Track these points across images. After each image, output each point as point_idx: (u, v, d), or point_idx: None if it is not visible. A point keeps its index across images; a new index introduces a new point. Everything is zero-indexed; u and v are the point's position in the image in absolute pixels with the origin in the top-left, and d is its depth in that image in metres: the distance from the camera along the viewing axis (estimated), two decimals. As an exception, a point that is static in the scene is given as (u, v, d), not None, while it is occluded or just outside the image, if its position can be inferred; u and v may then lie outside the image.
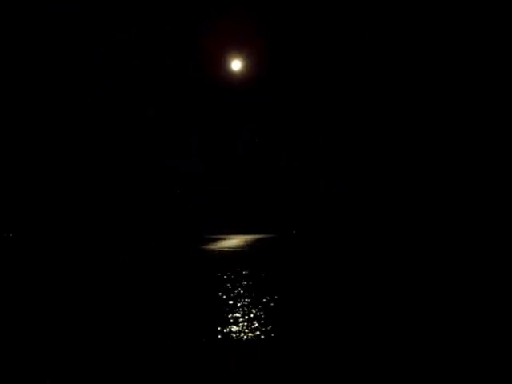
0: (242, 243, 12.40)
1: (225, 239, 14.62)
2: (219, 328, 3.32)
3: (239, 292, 4.66)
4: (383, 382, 2.36)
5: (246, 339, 3.06)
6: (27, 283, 5.36)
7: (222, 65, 14.49)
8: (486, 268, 6.26)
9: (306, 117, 16.50)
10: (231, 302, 4.15)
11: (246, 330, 3.26)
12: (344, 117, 16.09)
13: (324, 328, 3.31)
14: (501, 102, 13.35)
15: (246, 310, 3.85)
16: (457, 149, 14.29)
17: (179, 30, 14.16)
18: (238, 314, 3.71)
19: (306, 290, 4.74)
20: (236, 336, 3.12)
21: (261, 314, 3.69)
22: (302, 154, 17.12)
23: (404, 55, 14.16)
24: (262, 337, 3.11)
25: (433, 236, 13.42)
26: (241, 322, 3.49)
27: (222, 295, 4.49)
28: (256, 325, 3.39)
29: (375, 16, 13.72)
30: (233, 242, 13.35)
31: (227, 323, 3.44)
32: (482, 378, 2.39)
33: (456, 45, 13.34)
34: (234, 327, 3.33)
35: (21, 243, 12.75)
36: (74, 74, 14.73)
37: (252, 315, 3.67)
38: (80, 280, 5.56)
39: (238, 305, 4.04)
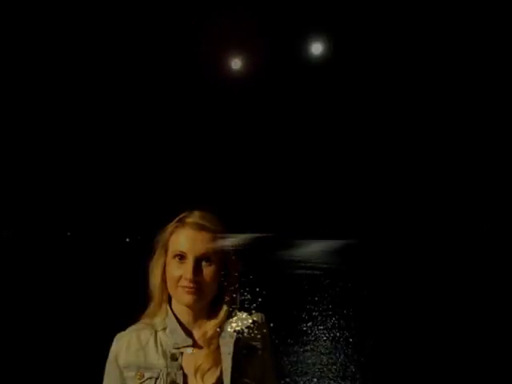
0: (239, 242, 12.43)
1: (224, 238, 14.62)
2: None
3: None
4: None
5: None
6: (27, 283, 5.39)
7: (222, 64, 14.47)
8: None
9: (306, 117, 16.51)
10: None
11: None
12: (345, 117, 16.09)
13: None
14: (501, 102, 13.35)
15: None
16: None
17: (179, 29, 14.18)
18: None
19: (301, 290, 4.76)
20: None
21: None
22: (301, 154, 17.13)
23: (403, 55, 14.16)
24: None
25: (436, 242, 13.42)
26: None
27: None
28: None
29: (376, 16, 13.72)
30: (232, 240, 13.37)
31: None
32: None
33: (456, 45, 13.35)
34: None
35: (21, 242, 12.78)
36: (74, 74, 14.74)
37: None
38: (79, 279, 5.59)
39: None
